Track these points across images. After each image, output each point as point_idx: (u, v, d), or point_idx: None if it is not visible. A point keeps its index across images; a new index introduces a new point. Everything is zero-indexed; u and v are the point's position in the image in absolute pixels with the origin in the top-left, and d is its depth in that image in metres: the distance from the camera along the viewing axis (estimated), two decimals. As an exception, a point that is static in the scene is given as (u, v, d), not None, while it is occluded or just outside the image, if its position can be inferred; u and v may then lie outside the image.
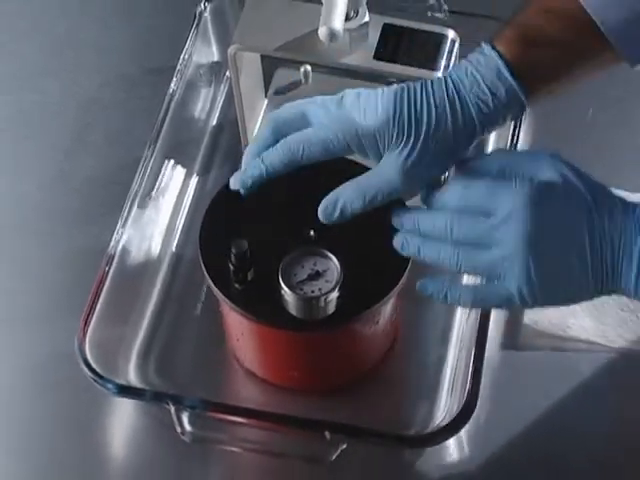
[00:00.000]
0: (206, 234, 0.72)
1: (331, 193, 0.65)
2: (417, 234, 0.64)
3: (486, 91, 0.64)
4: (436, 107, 0.64)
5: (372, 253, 0.69)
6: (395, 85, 0.65)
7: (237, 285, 0.68)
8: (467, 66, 0.65)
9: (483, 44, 0.65)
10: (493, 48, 0.65)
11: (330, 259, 0.67)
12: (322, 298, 0.65)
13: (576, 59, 0.67)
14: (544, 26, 0.65)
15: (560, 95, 0.68)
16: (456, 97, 0.64)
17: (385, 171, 0.64)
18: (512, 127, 0.83)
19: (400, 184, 0.64)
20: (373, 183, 0.64)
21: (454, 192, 0.64)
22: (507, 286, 0.61)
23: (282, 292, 0.66)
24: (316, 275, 0.67)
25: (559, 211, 0.61)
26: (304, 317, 0.68)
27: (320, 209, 0.65)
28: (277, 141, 0.66)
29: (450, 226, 0.62)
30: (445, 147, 0.64)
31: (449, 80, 0.65)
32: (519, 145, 0.83)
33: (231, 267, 0.68)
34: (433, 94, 0.64)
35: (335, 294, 0.66)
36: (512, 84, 0.64)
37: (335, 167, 0.67)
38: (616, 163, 0.88)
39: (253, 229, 0.71)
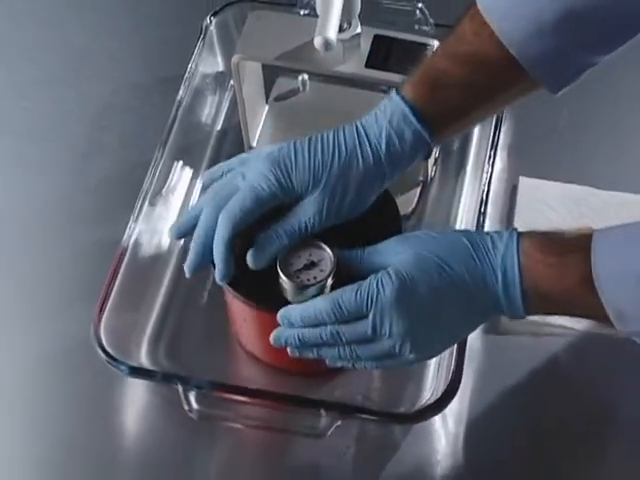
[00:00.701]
0: None
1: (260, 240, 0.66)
2: (307, 346, 0.66)
3: (393, 135, 0.65)
4: (347, 152, 0.65)
5: (362, 238, 0.68)
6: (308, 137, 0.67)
7: (241, 274, 0.68)
8: (376, 112, 0.66)
9: (392, 91, 0.66)
10: (398, 94, 0.66)
11: (324, 250, 0.67)
12: (317, 285, 0.66)
13: (483, 96, 0.67)
14: (448, 69, 0.66)
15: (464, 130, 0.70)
16: (366, 142, 0.66)
17: (306, 213, 0.66)
18: (492, 130, 0.83)
19: (318, 224, 0.66)
20: (294, 227, 0.66)
21: (329, 302, 0.63)
22: (405, 359, 0.63)
23: (280, 280, 0.67)
24: (311, 265, 0.67)
25: (424, 290, 0.61)
26: (298, 302, 0.67)
27: (249, 256, 0.66)
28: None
29: (336, 335, 0.63)
30: (358, 189, 0.66)
31: (359, 126, 0.66)
32: (499, 146, 0.83)
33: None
34: (345, 140, 0.66)
35: (329, 282, 0.66)
36: (417, 127, 0.65)
37: None
38: (590, 162, 0.88)
39: (255, 223, 0.70)
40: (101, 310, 0.73)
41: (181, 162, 0.85)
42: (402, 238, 0.65)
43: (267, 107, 0.91)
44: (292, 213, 0.67)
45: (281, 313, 0.66)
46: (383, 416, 0.72)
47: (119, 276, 0.75)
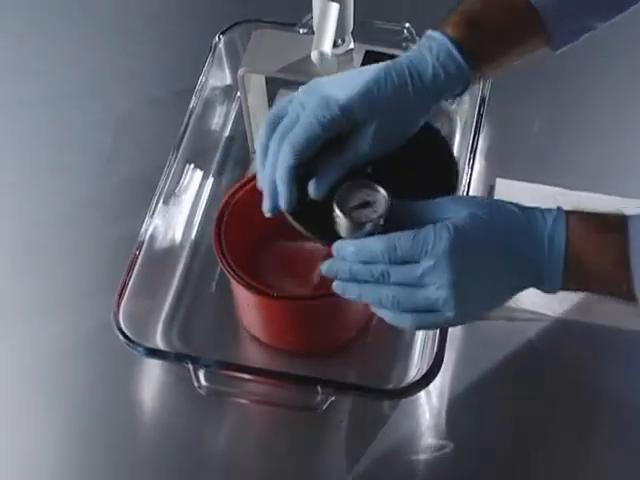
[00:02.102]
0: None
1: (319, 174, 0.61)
2: (355, 281, 0.60)
3: (439, 69, 0.62)
4: (399, 82, 0.62)
5: (417, 191, 0.63)
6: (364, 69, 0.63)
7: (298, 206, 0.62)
8: (422, 49, 0.63)
9: (431, 32, 0.63)
10: (443, 33, 0.63)
11: (379, 192, 0.62)
12: (370, 224, 0.61)
13: (513, 40, 0.64)
14: (484, 12, 0.63)
15: (498, 75, 0.66)
16: (416, 74, 0.62)
17: (364, 140, 0.61)
18: (472, 135, 0.81)
19: (374, 150, 0.62)
20: (354, 154, 0.62)
21: (385, 241, 0.59)
22: (444, 316, 0.58)
23: (334, 215, 0.61)
24: (366, 204, 0.62)
25: (476, 247, 0.57)
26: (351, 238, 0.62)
27: (311, 185, 0.61)
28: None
29: (386, 274, 0.58)
30: (407, 117, 0.62)
31: (409, 62, 0.63)
32: (478, 150, 0.81)
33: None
34: (397, 73, 0.62)
35: (381, 222, 0.61)
36: (460, 62, 0.62)
37: None
38: (561, 165, 0.87)
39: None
40: (120, 297, 0.72)
41: (192, 165, 0.84)
42: (458, 198, 0.62)
43: (270, 116, 0.90)
44: (351, 141, 0.62)
45: (337, 245, 0.60)
46: (373, 392, 0.70)
47: (136, 267, 0.74)
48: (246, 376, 0.70)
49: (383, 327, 0.76)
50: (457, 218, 0.58)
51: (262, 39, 0.80)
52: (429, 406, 0.74)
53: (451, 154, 0.68)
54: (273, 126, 0.63)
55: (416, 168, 0.65)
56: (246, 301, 0.74)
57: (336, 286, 0.61)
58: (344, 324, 0.76)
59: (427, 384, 0.68)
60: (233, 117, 0.91)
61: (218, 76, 0.89)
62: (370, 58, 0.77)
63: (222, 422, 0.74)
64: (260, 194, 0.75)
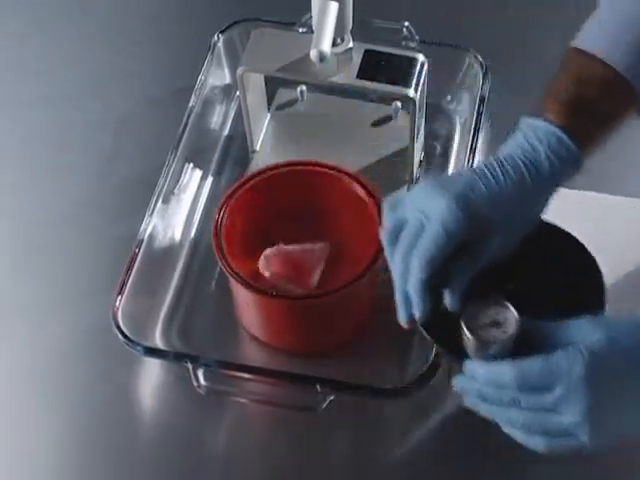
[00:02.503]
0: None
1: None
2: (484, 401, 0.58)
3: (553, 158, 0.62)
4: (517, 178, 0.61)
5: (557, 307, 0.61)
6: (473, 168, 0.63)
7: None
8: (533, 142, 0.62)
9: (533, 121, 0.63)
10: (547, 121, 0.62)
11: (510, 311, 0.60)
12: (498, 345, 0.59)
13: (611, 115, 0.64)
14: (580, 91, 0.63)
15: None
16: (532, 168, 0.62)
17: (492, 244, 0.61)
18: (471, 135, 0.81)
19: (504, 251, 0.62)
20: (479, 262, 0.61)
21: (515, 369, 0.56)
22: (578, 440, 0.55)
23: (462, 332, 0.61)
24: (495, 324, 0.60)
25: (615, 374, 0.54)
26: (477, 357, 0.61)
27: (448, 298, 0.60)
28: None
29: (516, 401, 0.56)
30: (529, 210, 0.62)
31: (524, 157, 0.62)
32: (477, 149, 0.81)
33: None
34: (513, 169, 0.61)
35: (510, 345, 0.60)
36: (572, 147, 0.62)
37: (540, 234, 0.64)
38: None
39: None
40: (119, 296, 0.72)
41: (192, 164, 0.83)
42: (594, 319, 0.58)
43: (269, 115, 0.90)
44: (477, 244, 0.61)
45: (466, 365, 0.59)
46: (372, 391, 0.70)
47: (136, 266, 0.74)
48: (245, 375, 0.70)
49: (382, 326, 0.77)
50: (592, 341, 0.55)
51: (261, 38, 0.80)
52: (430, 404, 0.73)
53: (598, 270, 0.65)
54: (395, 235, 0.62)
55: (558, 284, 0.64)
56: (245, 300, 0.73)
57: (467, 402, 0.60)
58: (343, 323, 0.76)
59: (426, 383, 0.68)
60: (232, 116, 0.90)
61: (217, 75, 0.89)
62: (369, 57, 0.77)
63: (221, 421, 0.73)
64: (260, 193, 0.75)
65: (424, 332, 0.63)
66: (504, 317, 0.60)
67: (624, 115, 0.65)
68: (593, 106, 0.63)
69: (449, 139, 0.88)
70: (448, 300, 0.61)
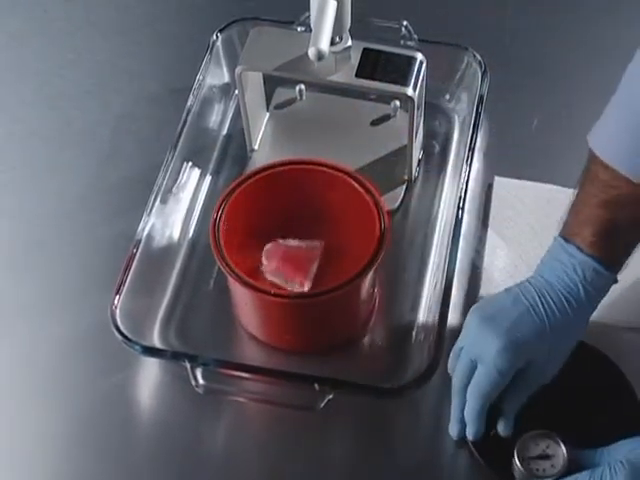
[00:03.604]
0: None
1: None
2: None
3: (588, 286, 0.65)
4: (558, 312, 0.65)
5: (598, 444, 0.66)
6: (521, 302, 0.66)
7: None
8: (567, 272, 0.65)
9: (571, 248, 0.65)
10: (581, 251, 0.65)
11: (561, 447, 0.66)
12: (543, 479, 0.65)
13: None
14: (614, 216, 0.65)
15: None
16: (572, 300, 0.65)
17: (541, 374, 0.66)
18: (470, 134, 0.81)
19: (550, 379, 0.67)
20: (530, 389, 0.67)
21: None
22: None
23: (513, 460, 0.66)
24: (545, 457, 0.66)
25: None
26: None
27: (501, 426, 0.67)
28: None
29: None
30: (571, 336, 0.67)
31: (562, 290, 0.65)
32: (476, 148, 0.81)
33: None
34: (554, 303, 0.65)
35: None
36: (605, 273, 0.65)
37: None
38: (559, 163, 0.86)
39: None
40: (117, 295, 0.71)
41: (190, 163, 0.83)
42: (636, 439, 0.64)
43: (268, 114, 0.89)
44: (528, 374, 0.66)
45: None
46: (371, 390, 0.70)
47: (134, 265, 0.74)
48: (244, 374, 0.70)
49: (381, 325, 0.77)
50: (633, 454, 0.61)
51: (260, 37, 0.79)
52: (428, 404, 0.73)
53: (637, 404, 0.70)
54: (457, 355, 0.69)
55: (601, 412, 0.69)
56: (243, 299, 0.73)
57: None
58: (342, 322, 0.75)
59: (425, 382, 0.68)
60: (231, 115, 0.90)
61: (216, 74, 0.88)
62: (368, 56, 0.77)
63: (220, 421, 0.73)
64: (258, 192, 0.75)
65: (476, 453, 0.68)
66: (554, 451, 0.65)
67: None
68: (624, 232, 0.66)
69: (448, 138, 0.88)
70: (502, 426, 0.67)
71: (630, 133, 0.64)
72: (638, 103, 0.64)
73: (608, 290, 0.67)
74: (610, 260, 0.66)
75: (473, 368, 0.67)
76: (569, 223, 0.67)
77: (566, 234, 0.67)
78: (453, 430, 0.69)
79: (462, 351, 0.68)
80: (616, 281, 0.66)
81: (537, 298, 0.66)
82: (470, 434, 0.67)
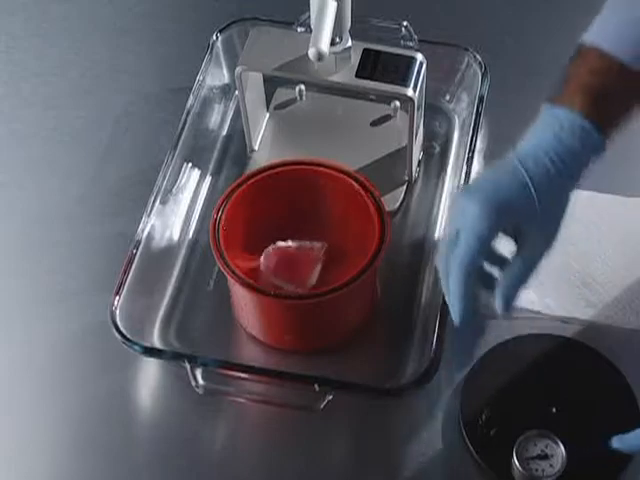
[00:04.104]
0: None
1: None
2: None
3: (577, 145, 0.62)
4: (544, 172, 0.62)
5: (597, 444, 0.67)
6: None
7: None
8: (558, 132, 0.62)
9: (559, 110, 0.63)
10: (572, 111, 0.62)
11: (559, 447, 0.66)
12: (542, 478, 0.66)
13: (631, 101, 0.65)
14: (603, 83, 0.63)
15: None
16: (558, 162, 0.62)
17: (526, 240, 0.62)
18: (470, 135, 0.81)
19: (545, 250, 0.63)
20: (522, 265, 0.63)
21: None
22: None
23: (512, 460, 0.66)
24: (544, 456, 0.66)
25: None
26: None
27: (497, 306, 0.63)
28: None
29: None
30: (559, 198, 0.63)
31: (547, 151, 0.62)
32: (476, 149, 0.81)
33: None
34: (537, 165, 0.62)
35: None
36: (595, 137, 0.62)
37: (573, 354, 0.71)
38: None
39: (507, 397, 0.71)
40: (117, 296, 0.72)
41: (190, 164, 0.83)
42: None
43: (268, 115, 0.89)
44: (519, 245, 0.63)
45: None
46: (371, 391, 0.70)
47: (134, 265, 0.74)
48: (244, 375, 0.70)
49: (381, 326, 0.77)
50: None
51: (260, 37, 0.80)
52: (427, 405, 0.73)
53: (635, 406, 0.70)
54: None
55: (600, 412, 0.69)
56: (243, 300, 0.73)
57: None
58: (342, 323, 0.75)
59: (425, 383, 0.68)
60: (231, 115, 0.90)
61: (216, 74, 0.88)
62: (368, 56, 0.77)
63: (219, 421, 0.73)
64: (258, 193, 0.75)
65: (475, 453, 0.68)
66: (553, 451, 0.66)
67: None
68: (614, 95, 0.63)
69: (448, 138, 0.88)
70: (499, 301, 0.62)
71: (633, 24, 0.62)
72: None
73: (597, 156, 0.63)
74: (600, 121, 0.62)
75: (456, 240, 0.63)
76: (557, 93, 0.64)
77: (552, 100, 0.64)
78: (452, 316, 0.64)
79: (446, 227, 0.66)
80: (605, 149, 0.63)
81: (517, 162, 0.62)
82: (454, 314, 0.63)
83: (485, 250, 0.62)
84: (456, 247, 0.62)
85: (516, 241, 0.64)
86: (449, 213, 0.66)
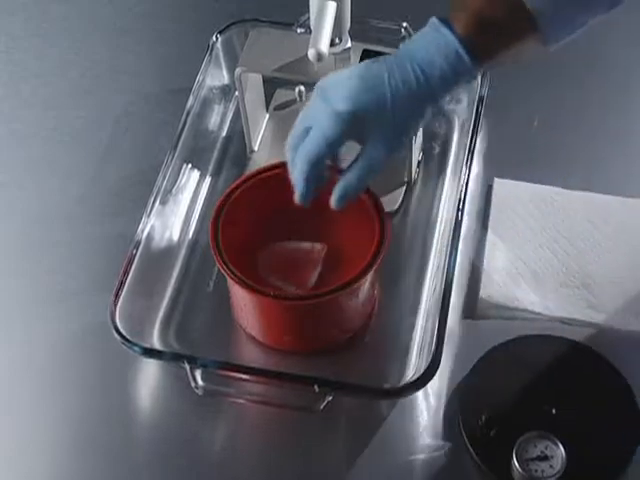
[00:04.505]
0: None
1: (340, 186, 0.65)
2: None
3: (446, 68, 0.63)
4: (406, 86, 0.63)
5: (597, 445, 0.68)
6: (362, 65, 0.64)
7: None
8: (430, 48, 0.63)
9: (439, 25, 0.63)
10: (452, 31, 0.62)
11: (559, 448, 0.66)
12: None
13: (513, 39, 0.64)
14: (488, 9, 0.62)
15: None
16: (422, 78, 0.63)
17: (372, 145, 0.63)
18: (470, 136, 0.81)
19: (391, 149, 0.64)
20: (366, 164, 0.64)
21: None
22: None
23: (512, 462, 0.66)
24: (544, 458, 0.66)
25: None
26: None
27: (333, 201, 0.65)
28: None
29: None
30: (415, 113, 0.64)
31: (416, 64, 0.63)
32: (476, 150, 0.81)
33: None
34: (402, 76, 0.63)
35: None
36: (468, 63, 0.63)
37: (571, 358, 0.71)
38: (559, 165, 0.86)
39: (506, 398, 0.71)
40: (117, 296, 0.72)
41: (190, 164, 0.83)
42: None
43: (267, 115, 0.90)
44: (364, 147, 0.64)
45: None
46: (371, 392, 0.70)
47: (133, 266, 0.74)
48: (243, 376, 0.70)
49: (381, 327, 0.77)
50: None
51: (259, 38, 0.80)
52: (427, 406, 0.73)
53: (635, 407, 0.69)
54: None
55: (600, 413, 0.69)
56: (243, 301, 0.73)
57: None
58: (342, 324, 0.75)
59: (424, 384, 0.68)
60: (230, 116, 0.90)
61: (215, 75, 0.88)
62: (368, 57, 0.76)
63: (219, 422, 0.73)
64: (258, 193, 0.75)
65: (474, 455, 0.67)
66: (553, 452, 0.66)
67: (526, 41, 0.65)
68: (497, 25, 0.63)
69: (448, 139, 0.88)
70: (332, 197, 0.65)
71: None
72: None
73: (466, 82, 0.64)
74: (477, 49, 0.63)
75: (306, 135, 0.65)
76: (450, 11, 0.64)
77: (444, 17, 0.64)
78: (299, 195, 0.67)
79: (298, 119, 0.67)
80: (476, 77, 0.65)
81: (384, 71, 0.63)
82: (297, 196, 0.66)
83: (332, 152, 0.65)
84: (306, 140, 0.65)
85: (360, 142, 0.65)
86: (305, 107, 0.67)
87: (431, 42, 0.63)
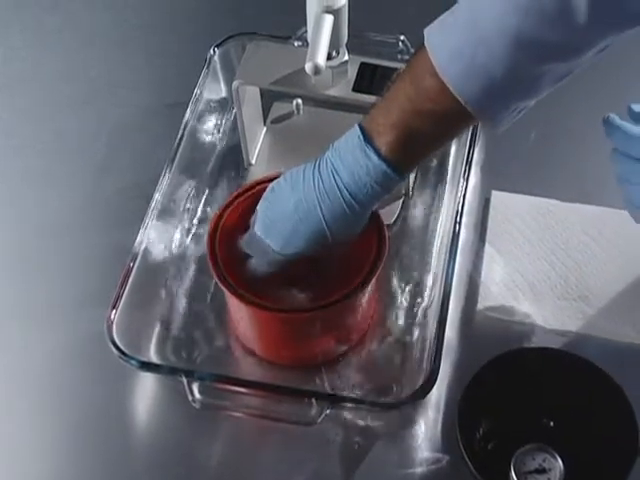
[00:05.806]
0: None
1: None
2: None
3: (376, 187, 0.65)
4: (340, 214, 0.66)
5: (594, 458, 0.68)
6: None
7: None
8: (358, 172, 0.64)
9: (371, 152, 0.63)
10: (378, 155, 0.63)
11: (557, 460, 0.66)
12: None
13: (447, 139, 0.67)
14: (422, 128, 0.62)
15: None
16: (354, 203, 0.65)
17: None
18: (467, 148, 0.81)
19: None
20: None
21: None
22: None
23: (510, 474, 0.66)
24: (542, 470, 0.66)
25: None
26: None
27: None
28: None
29: None
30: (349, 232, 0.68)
31: (344, 190, 0.65)
32: (473, 162, 0.82)
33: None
34: (335, 208, 0.66)
35: None
36: (394, 178, 0.64)
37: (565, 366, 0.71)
38: (556, 178, 0.87)
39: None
40: (114, 309, 0.71)
41: (187, 177, 0.83)
42: None
43: (265, 129, 0.90)
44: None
45: None
46: (368, 405, 0.70)
47: (130, 278, 0.74)
48: (241, 389, 0.70)
49: (378, 339, 0.77)
50: None
51: (257, 52, 0.80)
52: (425, 418, 0.73)
53: (633, 419, 0.69)
54: None
55: (598, 425, 0.69)
56: (240, 313, 0.73)
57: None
58: (340, 337, 0.75)
59: (423, 396, 0.68)
60: (228, 129, 0.90)
61: (213, 88, 0.89)
62: (365, 70, 0.77)
63: (216, 435, 0.73)
64: (255, 206, 0.75)
65: (473, 468, 0.67)
66: (551, 465, 0.66)
67: (459, 135, 0.69)
68: (425, 144, 0.64)
69: (445, 152, 0.88)
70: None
71: (471, 49, 0.58)
72: (480, 14, 0.57)
73: (394, 189, 0.67)
74: (404, 167, 0.64)
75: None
76: (376, 118, 0.63)
77: (369, 129, 0.63)
78: None
79: (248, 235, 0.71)
80: (404, 180, 0.66)
81: (317, 202, 0.66)
82: None
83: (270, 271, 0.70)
84: (250, 260, 0.71)
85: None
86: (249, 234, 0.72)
87: (358, 164, 0.64)
